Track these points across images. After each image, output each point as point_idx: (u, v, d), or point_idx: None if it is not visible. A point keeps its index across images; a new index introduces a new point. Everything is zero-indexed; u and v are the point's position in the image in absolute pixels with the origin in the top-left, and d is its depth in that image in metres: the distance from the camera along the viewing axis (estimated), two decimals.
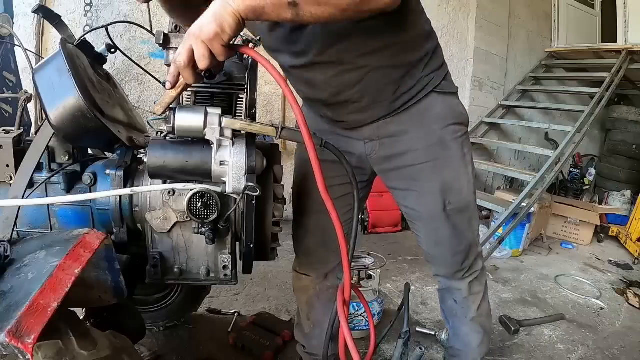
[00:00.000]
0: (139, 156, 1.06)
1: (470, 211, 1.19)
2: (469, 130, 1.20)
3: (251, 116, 0.93)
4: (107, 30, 1.10)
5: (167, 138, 0.92)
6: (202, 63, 0.76)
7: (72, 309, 0.85)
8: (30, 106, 2.25)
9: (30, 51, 1.14)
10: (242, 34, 0.81)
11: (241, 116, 0.98)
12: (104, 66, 1.13)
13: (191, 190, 0.92)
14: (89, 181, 1.01)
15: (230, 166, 0.88)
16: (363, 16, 0.83)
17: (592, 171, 4.93)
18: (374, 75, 1.01)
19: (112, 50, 1.09)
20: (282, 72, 0.93)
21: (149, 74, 1.36)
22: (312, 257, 1.33)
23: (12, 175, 0.97)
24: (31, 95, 1.12)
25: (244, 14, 0.75)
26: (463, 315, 1.34)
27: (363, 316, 1.80)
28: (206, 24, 0.74)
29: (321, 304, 1.35)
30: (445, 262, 1.26)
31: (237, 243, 1.06)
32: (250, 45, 0.92)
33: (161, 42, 0.85)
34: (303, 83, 1.07)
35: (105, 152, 1.20)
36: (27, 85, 2.22)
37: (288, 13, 0.76)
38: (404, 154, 1.12)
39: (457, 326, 1.39)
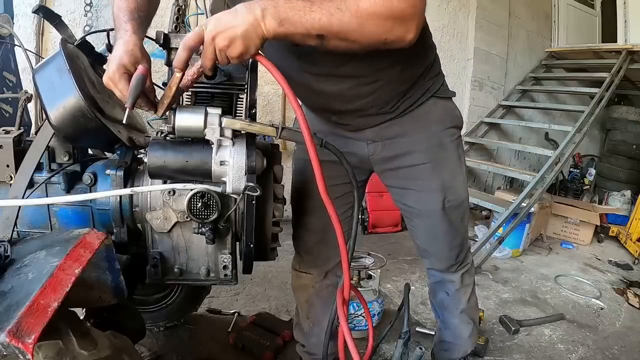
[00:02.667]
0: (139, 156, 1.06)
1: (464, 208, 1.26)
2: (469, 130, 1.24)
3: (251, 116, 0.93)
4: (107, 32, 1.10)
5: (167, 138, 0.92)
6: (218, 61, 0.78)
7: (72, 309, 0.85)
8: (30, 106, 2.24)
9: (30, 51, 1.14)
10: None
11: (241, 116, 0.98)
12: (104, 66, 1.13)
13: (191, 190, 0.92)
14: (89, 181, 1.01)
15: (230, 166, 0.88)
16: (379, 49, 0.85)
17: (592, 171, 4.93)
18: (387, 87, 1.05)
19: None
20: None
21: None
22: (314, 255, 1.33)
23: (12, 175, 0.97)
24: (31, 95, 1.12)
25: (271, 37, 0.76)
26: (454, 307, 1.40)
27: (363, 316, 1.80)
28: (234, 41, 0.74)
29: (321, 302, 1.36)
30: (441, 256, 1.32)
31: (237, 243, 1.06)
32: None
33: (161, 42, 0.85)
34: (310, 91, 1.07)
35: (105, 152, 1.20)
36: (27, 85, 2.22)
37: (313, 42, 0.79)
38: (405, 154, 1.15)
39: (448, 319, 1.45)
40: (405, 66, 1.04)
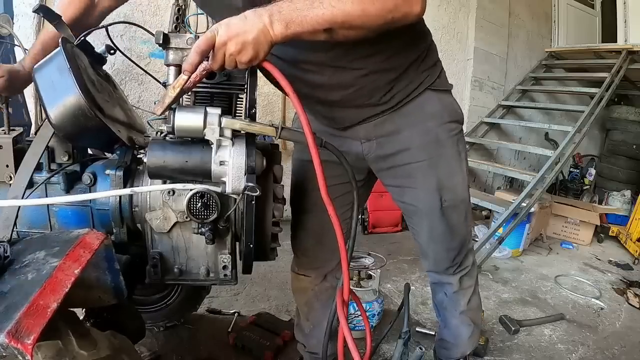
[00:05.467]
0: (138, 156, 1.05)
1: (464, 208, 1.21)
2: (469, 130, 1.22)
3: (251, 116, 0.93)
4: (107, 30, 1.10)
5: (167, 138, 0.92)
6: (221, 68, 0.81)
7: (72, 309, 0.85)
8: (31, 106, 2.24)
9: None
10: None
11: (241, 116, 0.98)
12: (104, 67, 1.13)
13: (191, 190, 0.92)
14: (89, 181, 1.01)
15: (230, 166, 0.88)
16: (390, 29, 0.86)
17: (592, 171, 4.92)
18: (370, 77, 1.02)
19: (112, 51, 1.09)
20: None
21: (149, 74, 1.36)
22: (311, 257, 1.32)
23: (12, 175, 0.97)
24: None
25: (279, 41, 0.78)
26: (453, 308, 1.38)
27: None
28: (245, 47, 0.76)
29: (320, 304, 1.35)
30: (437, 257, 1.29)
31: (237, 243, 1.06)
32: None
33: (161, 42, 0.85)
34: (299, 81, 1.06)
35: (105, 152, 1.20)
36: None
37: (322, 36, 0.80)
38: (400, 152, 1.12)
39: (447, 319, 1.43)
40: (390, 55, 1.01)
